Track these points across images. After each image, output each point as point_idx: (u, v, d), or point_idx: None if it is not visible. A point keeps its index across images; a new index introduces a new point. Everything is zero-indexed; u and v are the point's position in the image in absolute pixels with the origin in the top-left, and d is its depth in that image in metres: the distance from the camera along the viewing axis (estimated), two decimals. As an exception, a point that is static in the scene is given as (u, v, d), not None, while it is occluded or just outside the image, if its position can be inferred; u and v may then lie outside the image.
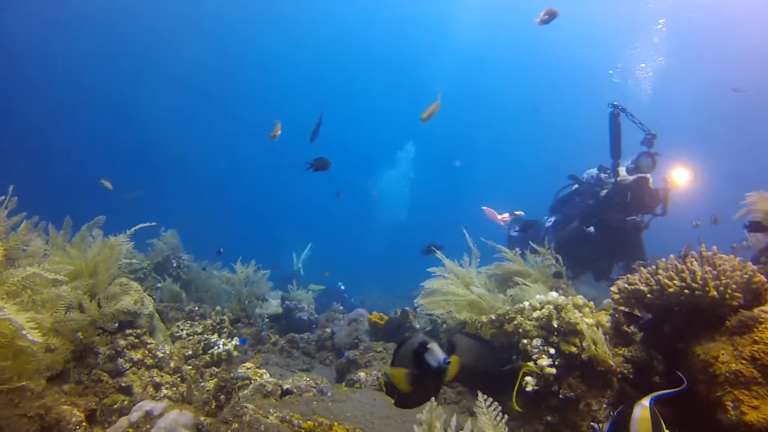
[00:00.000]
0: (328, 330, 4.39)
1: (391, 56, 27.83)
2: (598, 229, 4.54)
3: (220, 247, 5.09)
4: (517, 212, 6.26)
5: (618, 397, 2.58)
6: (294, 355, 4.08)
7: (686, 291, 2.40)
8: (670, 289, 2.44)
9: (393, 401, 1.63)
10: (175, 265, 4.97)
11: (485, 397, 1.61)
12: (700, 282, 2.38)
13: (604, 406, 2.54)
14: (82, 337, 2.64)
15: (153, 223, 3.36)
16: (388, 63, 28.24)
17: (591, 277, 4.98)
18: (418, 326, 3.95)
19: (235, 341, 3.35)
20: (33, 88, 24.37)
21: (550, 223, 5.41)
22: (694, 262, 2.48)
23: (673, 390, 2.39)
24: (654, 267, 2.63)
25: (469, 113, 27.59)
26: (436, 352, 1.45)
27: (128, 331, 2.85)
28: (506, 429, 1.54)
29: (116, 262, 3.13)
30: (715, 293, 2.34)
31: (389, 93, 28.74)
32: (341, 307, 5.31)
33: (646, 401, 1.63)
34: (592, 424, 2.56)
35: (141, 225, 3.28)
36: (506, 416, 1.58)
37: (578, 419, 2.52)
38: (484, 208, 6.50)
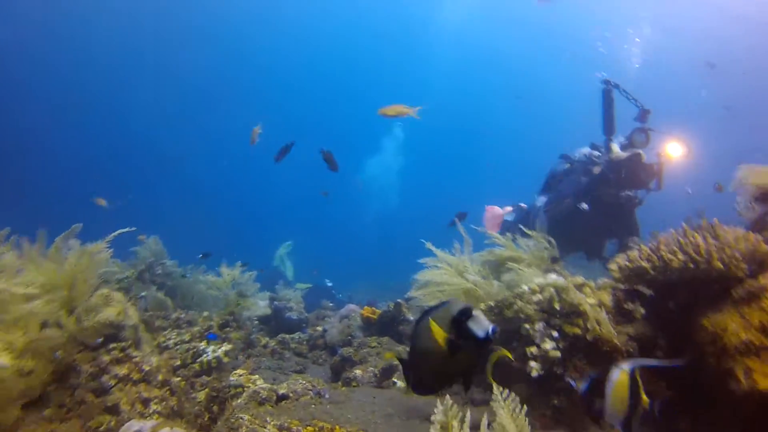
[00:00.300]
0: (319, 328, 4.27)
1: (376, 44, 27.29)
2: (591, 206, 4.46)
3: (202, 252, 4.93)
4: (521, 204, 6.14)
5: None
6: (286, 357, 3.96)
7: (690, 265, 2.33)
8: (674, 264, 2.37)
9: (407, 387, 1.43)
10: (159, 272, 4.80)
11: (501, 388, 1.51)
12: (705, 255, 2.31)
13: (612, 387, 2.47)
14: (61, 355, 2.49)
15: (133, 228, 3.20)
16: (373, 51, 27.71)
17: (577, 261, 4.88)
18: (412, 318, 3.84)
19: (225, 346, 3.22)
20: (15, 89, 23.63)
21: (542, 203, 5.31)
22: (697, 235, 2.41)
23: (661, 362, 2.33)
24: (655, 243, 2.56)
25: (459, 100, 27.33)
26: (483, 320, 1.23)
27: (112, 345, 2.70)
28: (526, 421, 1.43)
29: (96, 271, 2.97)
30: (720, 265, 2.27)
31: (374, 81, 28.15)
32: (331, 304, 5.20)
33: (626, 365, 1.57)
34: (568, 379, 2.48)
35: (121, 230, 3.11)
36: (525, 408, 1.48)
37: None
38: (487, 207, 6.34)
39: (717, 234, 2.38)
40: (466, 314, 1.23)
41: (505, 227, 5.77)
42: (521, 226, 5.18)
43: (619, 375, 1.55)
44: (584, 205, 4.50)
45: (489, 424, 1.42)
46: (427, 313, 1.34)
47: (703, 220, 2.54)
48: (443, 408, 1.50)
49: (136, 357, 2.73)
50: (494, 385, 1.51)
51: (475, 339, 1.21)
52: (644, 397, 1.53)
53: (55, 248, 2.98)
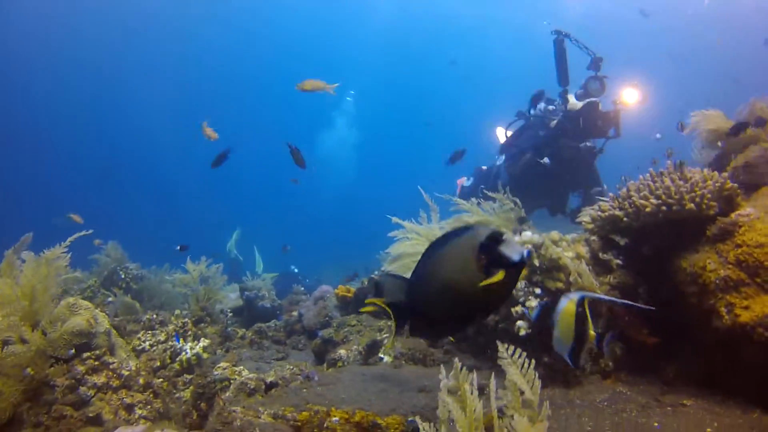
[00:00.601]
0: (295, 313, 4.19)
1: (315, 14, 26.34)
2: (552, 159, 4.47)
3: (179, 244, 4.73)
4: (482, 167, 6.11)
5: (609, 324, 2.54)
6: (265, 346, 3.88)
7: (663, 208, 2.37)
8: (647, 209, 2.40)
9: (399, 337, 1.33)
10: (123, 276, 4.61)
11: (506, 345, 1.48)
12: (676, 197, 2.35)
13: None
14: (32, 372, 2.34)
15: (90, 231, 3.04)
16: (311, 22, 26.73)
17: (540, 217, 4.90)
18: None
19: (203, 342, 3.12)
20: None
21: (501, 161, 5.30)
22: (666, 178, 2.44)
23: (611, 298, 2.36)
24: (625, 190, 2.58)
25: (399, 69, 27.01)
26: (514, 242, 1.11)
27: (86, 355, 2.56)
28: (536, 375, 1.40)
29: (56, 279, 2.81)
30: (692, 205, 2.31)
31: (315, 53, 27.31)
32: (302, 288, 5.11)
33: (575, 295, 1.53)
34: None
35: (78, 234, 2.96)
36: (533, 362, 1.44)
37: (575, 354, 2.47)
38: (458, 180, 6.30)
39: (685, 175, 2.42)
40: (497, 238, 1.11)
41: (464, 194, 5.74)
42: (483, 188, 5.21)
43: (567, 304, 1.51)
44: (545, 160, 4.51)
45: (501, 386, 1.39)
46: (443, 242, 1.20)
47: (668, 163, 2.58)
48: (453, 371, 1.46)
49: (112, 363, 2.61)
50: (499, 344, 1.48)
51: (510, 265, 1.10)
52: (591, 330, 1.51)
53: (7, 262, 2.80)
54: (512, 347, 1.45)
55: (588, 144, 4.40)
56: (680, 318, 2.42)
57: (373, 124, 26.53)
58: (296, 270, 8.70)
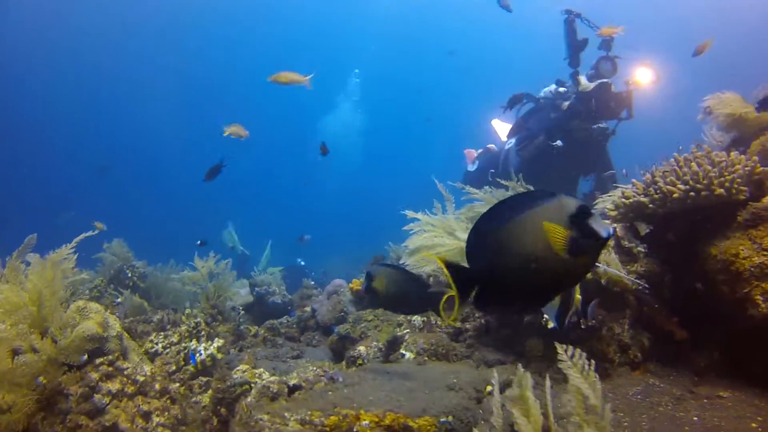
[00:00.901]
0: (308, 309, 4.11)
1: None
2: (564, 141, 4.38)
3: (200, 239, 4.60)
4: (489, 145, 5.99)
5: (637, 314, 2.49)
6: (278, 343, 3.80)
7: (692, 194, 2.29)
8: (675, 195, 2.33)
9: (454, 310, 1.12)
10: (129, 275, 4.52)
11: (564, 346, 1.40)
12: (705, 182, 2.27)
13: (627, 326, 2.45)
14: (44, 381, 2.27)
15: (96, 231, 2.95)
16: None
17: None
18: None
19: (217, 342, 3.04)
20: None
21: (511, 145, 5.18)
22: (692, 163, 2.36)
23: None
24: (650, 176, 2.51)
25: (402, 56, 26.63)
26: (600, 218, 1.04)
27: (98, 361, 2.49)
28: (596, 377, 1.33)
29: (63, 282, 2.72)
30: (721, 191, 2.24)
31: (318, 34, 26.77)
32: (312, 283, 5.03)
33: None
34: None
35: (84, 234, 2.87)
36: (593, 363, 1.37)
37: (604, 346, 2.42)
38: (465, 151, 6.20)
39: (713, 160, 2.35)
40: (586, 211, 1.03)
41: (470, 179, 5.65)
42: (492, 172, 5.11)
43: None
44: (558, 142, 4.42)
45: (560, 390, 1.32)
46: (516, 206, 1.09)
47: (693, 149, 2.50)
48: (518, 377, 1.38)
49: (126, 368, 2.54)
50: (558, 345, 1.40)
51: (597, 240, 1.02)
52: (577, 294, 1.45)
53: (10, 267, 2.71)
54: (570, 348, 1.37)
55: (601, 125, 4.30)
56: (709, 306, 2.36)
57: (378, 109, 26.02)
58: (303, 263, 8.58)
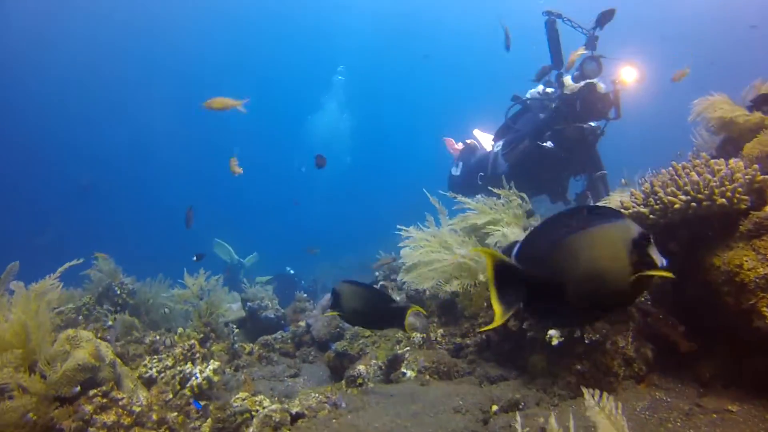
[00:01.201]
0: (302, 324, 4.03)
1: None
2: (554, 142, 4.34)
3: (195, 254, 4.49)
4: (468, 141, 5.90)
5: (640, 326, 2.46)
6: (274, 360, 3.73)
7: (693, 204, 2.27)
8: (676, 206, 2.30)
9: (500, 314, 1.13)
10: (118, 292, 4.39)
11: (591, 390, 1.36)
12: (706, 192, 2.25)
13: (630, 339, 2.43)
14: (34, 417, 2.18)
15: (80, 260, 2.86)
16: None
17: (538, 206, 4.77)
18: (398, 299, 3.67)
19: (213, 364, 2.97)
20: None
21: (499, 148, 5.12)
22: (692, 173, 2.34)
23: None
24: (649, 185, 2.48)
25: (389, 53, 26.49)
26: (656, 249, 1.09)
27: (92, 392, 2.40)
28: (624, 421, 1.29)
29: (49, 313, 2.63)
30: (723, 201, 2.22)
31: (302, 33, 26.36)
32: (305, 295, 4.95)
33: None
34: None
35: (69, 264, 2.78)
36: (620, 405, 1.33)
37: (608, 360, 2.39)
38: (444, 139, 6.13)
39: (712, 168, 2.33)
40: (648, 238, 1.08)
41: (455, 183, 5.59)
42: (482, 175, 5.06)
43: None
44: (548, 143, 4.37)
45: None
46: (584, 220, 1.12)
47: (690, 156, 2.49)
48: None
49: (121, 399, 2.46)
50: (584, 390, 1.36)
51: (653, 267, 1.07)
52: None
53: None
54: (597, 392, 1.33)
55: (591, 125, 4.26)
56: (712, 316, 2.34)
57: (365, 108, 25.74)
58: (292, 271, 8.40)
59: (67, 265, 2.73)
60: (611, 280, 1.07)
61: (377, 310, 2.11)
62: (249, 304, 4.43)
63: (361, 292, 2.14)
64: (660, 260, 1.07)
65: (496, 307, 1.13)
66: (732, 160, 2.35)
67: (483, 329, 2.24)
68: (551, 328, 2.43)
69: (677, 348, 2.43)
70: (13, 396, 2.20)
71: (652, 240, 1.09)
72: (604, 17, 4.25)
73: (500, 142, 5.10)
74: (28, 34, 20.41)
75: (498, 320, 1.15)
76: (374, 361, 2.88)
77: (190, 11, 22.93)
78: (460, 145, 6.01)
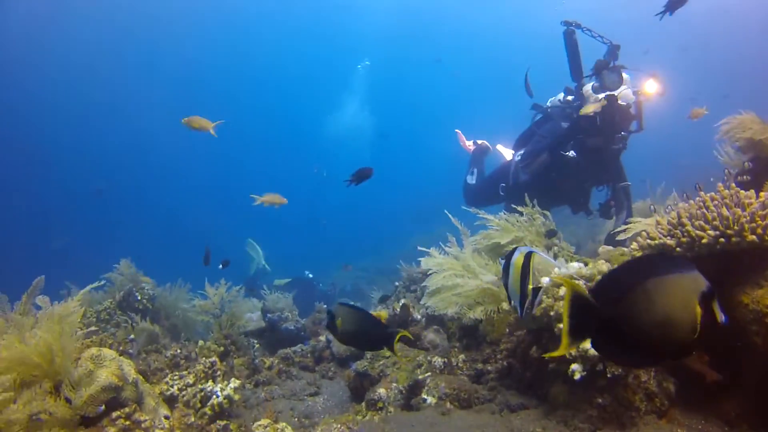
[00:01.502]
0: (322, 338, 4.03)
1: None
2: (577, 151, 4.26)
3: (221, 261, 4.47)
4: (479, 141, 5.83)
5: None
6: (293, 374, 3.74)
7: (722, 240, 2.22)
8: (704, 241, 2.26)
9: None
10: (139, 297, 4.42)
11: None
12: (736, 227, 2.20)
13: (652, 373, 2.40)
14: (61, 441, 2.22)
15: (102, 282, 2.90)
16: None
17: (558, 215, 4.70)
18: (418, 317, 3.66)
19: (234, 383, 2.99)
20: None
21: (519, 157, 5.04)
22: (722, 208, 2.29)
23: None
24: (676, 215, 2.44)
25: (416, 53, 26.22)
26: (720, 305, 1.13)
27: (115, 414, 2.44)
28: None
29: (72, 335, 2.66)
30: (753, 237, 2.17)
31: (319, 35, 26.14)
32: (325, 306, 4.96)
33: (525, 249, 1.64)
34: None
35: (91, 285, 2.82)
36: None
37: (630, 394, 2.36)
38: (457, 131, 6.09)
39: (742, 202, 2.28)
40: (713, 293, 1.13)
41: (471, 193, 5.54)
42: (504, 186, 5.00)
43: (517, 256, 1.62)
44: (571, 153, 4.29)
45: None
46: (660, 266, 1.16)
47: (719, 187, 2.43)
48: None
49: (144, 421, 2.49)
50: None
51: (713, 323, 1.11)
52: (530, 285, 1.60)
53: (20, 313, 2.66)
54: None
55: (618, 135, 4.17)
56: (738, 354, 2.30)
57: (386, 111, 25.62)
58: (311, 275, 8.39)
59: (89, 287, 2.77)
60: (680, 329, 1.11)
61: (368, 333, 2.20)
62: (269, 315, 4.43)
63: (354, 315, 2.22)
64: (721, 316, 1.11)
65: (565, 338, 1.18)
66: (763, 194, 2.30)
67: (547, 355, 2.23)
68: (616, 366, 2.41)
69: (702, 378, 2.39)
70: (41, 418, 2.24)
71: (716, 294, 1.12)
72: (612, 52, 4.21)
73: (521, 152, 5.04)
74: (36, 38, 20.56)
75: (562, 350, 1.20)
76: (394, 384, 2.88)
77: (204, 12, 22.88)
78: (471, 144, 5.96)
